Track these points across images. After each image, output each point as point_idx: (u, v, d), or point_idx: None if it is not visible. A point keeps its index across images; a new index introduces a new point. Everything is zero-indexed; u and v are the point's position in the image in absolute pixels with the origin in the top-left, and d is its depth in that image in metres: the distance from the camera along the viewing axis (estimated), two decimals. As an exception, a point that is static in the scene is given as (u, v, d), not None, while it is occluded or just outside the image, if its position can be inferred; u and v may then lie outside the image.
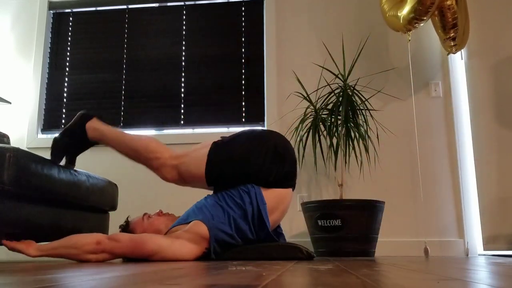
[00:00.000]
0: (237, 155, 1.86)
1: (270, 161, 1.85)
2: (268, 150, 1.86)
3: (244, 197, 1.82)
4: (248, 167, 1.85)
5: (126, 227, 1.97)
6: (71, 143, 2.04)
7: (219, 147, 1.90)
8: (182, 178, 1.94)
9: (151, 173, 3.20)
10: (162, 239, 1.68)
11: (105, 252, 1.65)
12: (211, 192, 2.01)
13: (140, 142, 1.97)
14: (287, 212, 1.98)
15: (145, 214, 1.98)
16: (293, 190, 1.97)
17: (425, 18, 2.70)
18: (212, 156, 1.88)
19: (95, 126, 2.03)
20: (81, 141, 2.04)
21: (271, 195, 1.87)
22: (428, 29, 3.15)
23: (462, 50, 3.15)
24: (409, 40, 2.91)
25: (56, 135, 2.06)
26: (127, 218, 2.03)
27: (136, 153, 1.97)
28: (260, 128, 1.96)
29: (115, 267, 1.23)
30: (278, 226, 2.04)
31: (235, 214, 1.79)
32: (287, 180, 1.90)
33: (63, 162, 2.09)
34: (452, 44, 2.88)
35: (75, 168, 2.16)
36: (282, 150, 1.88)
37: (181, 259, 1.69)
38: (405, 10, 2.71)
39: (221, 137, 1.98)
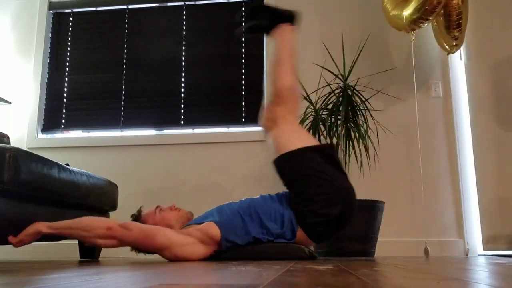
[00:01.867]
0: (318, 176, 1.76)
1: (331, 220, 1.76)
2: (337, 210, 1.75)
3: (273, 222, 1.77)
4: (314, 195, 1.75)
5: (137, 217, 1.96)
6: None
7: (321, 151, 1.82)
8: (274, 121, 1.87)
9: (151, 173, 3.21)
10: (173, 235, 1.68)
11: (115, 239, 1.66)
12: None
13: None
14: None
15: (157, 206, 1.97)
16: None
17: (430, 17, 2.69)
18: (309, 154, 1.80)
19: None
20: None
21: (298, 235, 1.80)
22: (428, 28, 3.15)
23: (462, 50, 3.15)
24: (413, 39, 2.90)
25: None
26: (139, 208, 2.02)
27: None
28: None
29: (115, 267, 1.23)
30: None
31: (253, 231, 1.76)
32: (318, 239, 1.84)
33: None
34: (454, 43, 2.87)
35: (75, 168, 2.16)
36: (347, 217, 1.80)
37: (189, 257, 1.69)
38: (410, 10, 2.70)
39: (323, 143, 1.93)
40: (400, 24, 2.80)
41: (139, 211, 1.98)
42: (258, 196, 1.90)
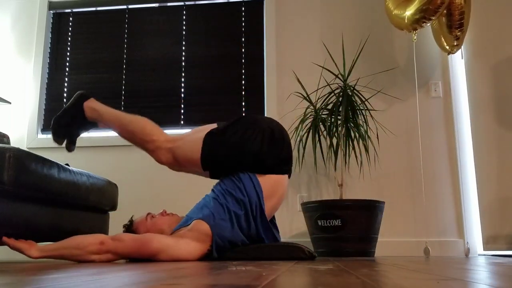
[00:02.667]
0: (233, 141, 1.87)
1: (266, 146, 1.85)
2: (264, 136, 1.86)
3: (239, 187, 1.83)
4: (244, 152, 1.85)
5: (130, 227, 1.97)
6: (71, 122, 2.04)
7: (215, 133, 1.91)
8: (177, 162, 1.94)
9: (151, 173, 3.21)
10: (166, 238, 1.67)
11: (109, 253, 1.64)
12: (203, 186, 2.01)
13: (136, 124, 1.99)
14: (284, 199, 1.99)
15: (148, 213, 1.97)
16: (289, 177, 1.97)
17: (433, 17, 2.68)
18: (208, 140, 1.89)
19: (92, 105, 2.05)
20: (80, 120, 2.04)
21: (267, 181, 1.87)
22: (428, 28, 3.15)
23: (462, 50, 3.15)
24: (415, 39, 2.90)
25: (55, 116, 2.05)
26: (131, 217, 2.03)
27: (132, 135, 1.99)
28: (256, 114, 1.98)
29: (116, 267, 1.23)
30: (273, 218, 2.04)
31: (234, 208, 1.79)
32: (284, 165, 1.91)
33: (64, 145, 2.08)
34: (455, 43, 2.87)
35: (75, 168, 2.16)
36: (278, 135, 1.89)
37: (186, 258, 1.68)
38: (413, 9, 2.68)
39: (217, 123, 1.98)
40: (402, 24, 2.79)
41: (131, 221, 1.99)
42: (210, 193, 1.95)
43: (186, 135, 1.98)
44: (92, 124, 2.09)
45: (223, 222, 1.75)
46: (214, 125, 1.98)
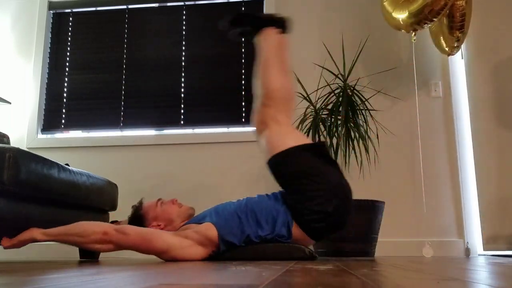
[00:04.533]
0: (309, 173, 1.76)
1: (331, 215, 1.75)
2: (339, 206, 1.76)
3: (266, 219, 1.77)
4: (307, 196, 1.75)
5: (138, 208, 1.94)
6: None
7: (315, 147, 1.84)
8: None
9: (151, 173, 3.21)
10: (171, 238, 1.67)
11: (111, 243, 1.65)
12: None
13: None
14: None
15: (159, 199, 1.96)
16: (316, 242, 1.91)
17: (435, 19, 2.67)
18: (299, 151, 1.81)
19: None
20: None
21: (295, 233, 1.79)
22: (427, 29, 3.14)
23: (463, 50, 3.15)
24: (414, 40, 2.90)
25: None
26: (141, 199, 2.00)
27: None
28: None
29: (116, 267, 1.23)
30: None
31: (248, 230, 1.75)
32: (325, 236, 1.84)
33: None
34: (455, 45, 2.86)
35: (75, 168, 2.16)
36: (343, 214, 1.80)
37: (187, 259, 1.68)
38: (414, 10, 2.66)
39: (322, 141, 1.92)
40: (402, 25, 2.77)
41: (140, 202, 1.97)
42: (255, 196, 1.90)
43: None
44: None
45: (232, 237, 1.74)
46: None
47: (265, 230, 1.75)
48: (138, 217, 1.90)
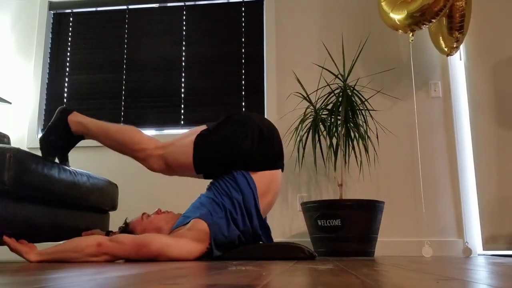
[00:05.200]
0: (224, 141, 1.88)
1: (257, 144, 1.87)
2: (254, 133, 1.88)
3: (233, 186, 1.84)
4: (236, 152, 1.86)
5: (125, 228, 1.96)
6: (58, 140, 2.04)
7: (205, 135, 1.91)
8: (170, 167, 1.94)
9: (151, 173, 3.20)
10: (166, 239, 1.67)
11: (107, 255, 1.63)
12: (203, 187, 2.01)
13: (124, 134, 1.97)
14: (278, 194, 1.99)
15: (144, 213, 1.97)
16: (282, 171, 1.98)
17: (434, 20, 2.67)
18: (199, 143, 1.89)
19: (77, 119, 2.03)
20: (67, 136, 2.04)
21: (261, 178, 1.88)
22: (427, 29, 3.15)
23: (462, 50, 3.15)
24: (412, 40, 2.90)
25: (41, 135, 2.06)
26: (125, 220, 2.02)
27: (121, 145, 1.98)
28: (244, 112, 2.01)
29: (116, 267, 1.23)
30: (265, 219, 2.03)
31: (230, 206, 1.80)
32: (276, 160, 1.92)
33: (56, 161, 2.09)
34: (455, 45, 2.86)
35: (75, 168, 2.16)
36: (267, 132, 1.90)
37: (186, 257, 1.68)
38: (413, 11, 2.65)
39: (206, 124, 1.99)
40: (400, 25, 2.77)
41: (125, 223, 1.98)
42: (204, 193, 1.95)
43: (176, 140, 1.97)
44: (78, 138, 2.07)
45: (220, 220, 1.76)
46: (203, 127, 1.98)
47: (239, 198, 1.82)
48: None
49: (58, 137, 2.04)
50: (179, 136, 2.01)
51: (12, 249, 1.69)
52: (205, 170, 1.92)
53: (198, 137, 1.91)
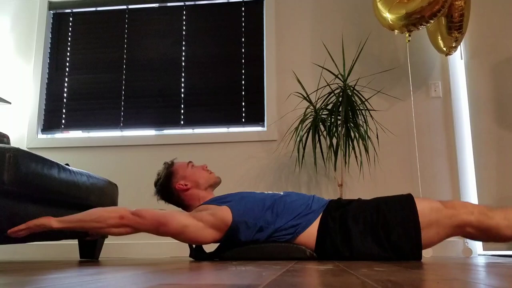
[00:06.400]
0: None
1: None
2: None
3: (301, 215, 1.77)
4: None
5: (170, 166, 1.96)
6: None
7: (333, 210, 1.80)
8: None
9: (151, 173, 3.20)
10: (186, 219, 1.70)
11: (128, 227, 1.67)
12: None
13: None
14: None
15: (190, 162, 1.98)
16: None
17: (432, 20, 2.66)
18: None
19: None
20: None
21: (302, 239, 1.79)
22: (425, 29, 3.14)
23: (462, 50, 3.15)
24: (409, 40, 2.90)
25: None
26: (174, 159, 2.00)
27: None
28: None
29: (115, 267, 1.23)
30: None
31: (263, 224, 1.75)
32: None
33: None
34: (453, 45, 2.86)
35: (75, 168, 2.16)
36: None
37: (201, 241, 1.73)
38: (411, 11, 2.64)
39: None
40: (397, 25, 2.74)
41: (172, 161, 1.98)
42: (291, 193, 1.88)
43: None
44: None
45: (245, 225, 1.74)
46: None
47: (280, 221, 1.74)
48: (168, 174, 1.92)
49: None
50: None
51: (28, 230, 1.66)
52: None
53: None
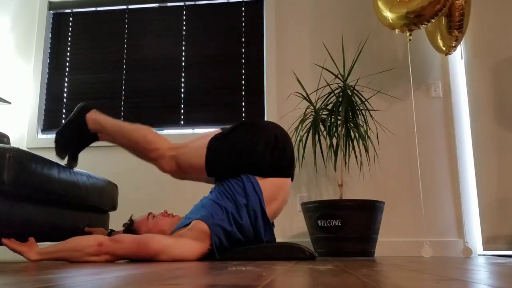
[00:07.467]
0: (238, 146, 1.88)
1: (270, 152, 1.87)
2: (269, 140, 1.88)
3: (237, 190, 1.83)
4: (249, 157, 1.86)
5: (130, 226, 1.96)
6: (73, 137, 2.04)
7: (219, 138, 1.91)
8: (181, 169, 1.94)
9: (151, 173, 3.21)
10: (166, 239, 1.66)
11: (107, 254, 1.63)
12: (202, 187, 2.00)
13: (138, 132, 1.99)
14: (287, 202, 1.98)
15: (150, 213, 1.97)
16: (292, 180, 1.98)
17: (433, 19, 2.66)
18: (213, 146, 1.89)
19: (95, 117, 2.05)
20: (83, 133, 2.04)
21: (269, 184, 1.87)
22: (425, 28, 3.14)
23: (462, 50, 3.15)
24: (410, 39, 2.89)
25: (57, 129, 2.06)
26: (130, 217, 2.02)
27: (134, 144, 1.99)
28: (259, 119, 2.01)
29: (116, 267, 1.23)
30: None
31: (232, 210, 1.79)
32: (287, 169, 1.92)
33: (65, 161, 2.09)
34: (453, 44, 2.86)
35: (75, 168, 2.16)
36: (282, 141, 1.90)
37: (187, 257, 1.68)
38: (412, 10, 2.63)
39: (221, 129, 1.99)
40: (396, 24, 2.74)
41: (131, 220, 1.98)
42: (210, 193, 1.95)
43: (189, 142, 1.98)
44: (93, 137, 2.07)
45: (221, 222, 1.75)
46: (218, 130, 1.98)
47: (243, 202, 1.81)
48: (131, 234, 1.90)
49: (73, 135, 2.04)
50: (193, 138, 2.01)
51: (11, 249, 1.69)
52: (216, 173, 1.91)
53: (212, 140, 1.91)
